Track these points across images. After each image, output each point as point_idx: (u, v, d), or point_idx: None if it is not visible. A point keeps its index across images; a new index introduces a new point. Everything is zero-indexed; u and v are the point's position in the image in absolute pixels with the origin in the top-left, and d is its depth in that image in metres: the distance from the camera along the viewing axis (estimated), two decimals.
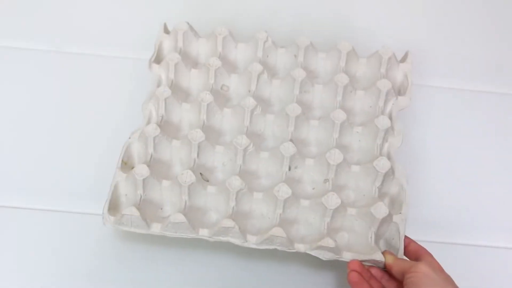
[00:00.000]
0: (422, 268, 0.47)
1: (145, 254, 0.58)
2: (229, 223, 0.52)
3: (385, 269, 0.52)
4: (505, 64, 0.68)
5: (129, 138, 0.58)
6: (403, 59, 0.65)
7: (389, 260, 0.51)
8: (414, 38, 0.71)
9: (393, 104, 0.61)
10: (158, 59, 0.63)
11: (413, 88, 0.62)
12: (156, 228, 0.53)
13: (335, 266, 0.54)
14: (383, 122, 0.58)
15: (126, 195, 0.56)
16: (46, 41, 0.68)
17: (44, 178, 0.62)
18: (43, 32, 0.68)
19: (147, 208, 0.55)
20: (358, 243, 0.55)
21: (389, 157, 0.57)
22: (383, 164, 0.55)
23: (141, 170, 0.54)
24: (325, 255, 0.53)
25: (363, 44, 0.66)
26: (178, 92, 0.62)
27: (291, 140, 0.58)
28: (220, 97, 0.62)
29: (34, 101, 0.65)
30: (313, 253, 0.53)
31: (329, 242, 0.52)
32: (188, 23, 0.64)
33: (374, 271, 0.53)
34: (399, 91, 0.63)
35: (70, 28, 0.69)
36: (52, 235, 0.59)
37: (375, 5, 0.73)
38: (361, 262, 0.52)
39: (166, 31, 0.65)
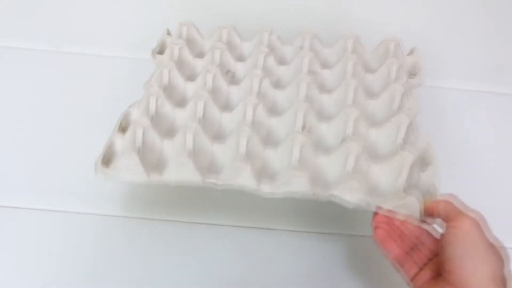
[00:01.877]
0: (466, 224, 0.38)
1: (146, 254, 0.58)
2: (241, 165, 0.46)
3: (421, 220, 0.44)
4: (505, 64, 0.68)
5: (129, 107, 0.55)
6: (410, 54, 0.63)
7: (429, 199, 0.42)
8: (413, 38, 0.71)
9: (405, 82, 0.57)
10: (161, 51, 0.62)
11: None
12: (156, 176, 0.47)
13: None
14: (395, 91, 0.54)
15: (122, 153, 0.49)
16: (46, 41, 0.68)
17: (44, 178, 0.62)
18: (43, 32, 0.68)
19: (146, 163, 0.48)
20: (386, 192, 0.47)
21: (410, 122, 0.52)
22: (400, 121, 0.50)
23: (141, 120, 0.50)
24: (351, 198, 0.45)
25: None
26: (182, 69, 0.60)
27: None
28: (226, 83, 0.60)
29: (35, 101, 0.65)
30: (338, 194, 0.45)
31: (353, 184, 0.45)
32: (191, 24, 0.63)
33: (404, 227, 0.44)
34: (410, 75, 0.60)
35: (71, 28, 0.69)
36: (52, 235, 0.59)
37: (372, 8, 0.73)
38: (389, 216, 0.44)
39: (169, 34, 0.64)
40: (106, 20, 0.69)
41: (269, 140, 0.52)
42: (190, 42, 0.63)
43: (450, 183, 0.62)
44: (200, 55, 0.63)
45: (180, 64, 0.60)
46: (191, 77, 0.61)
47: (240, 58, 0.63)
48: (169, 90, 0.57)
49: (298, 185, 0.45)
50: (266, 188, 0.46)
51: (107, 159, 0.49)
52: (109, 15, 0.69)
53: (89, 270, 0.57)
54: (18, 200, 0.61)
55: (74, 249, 0.58)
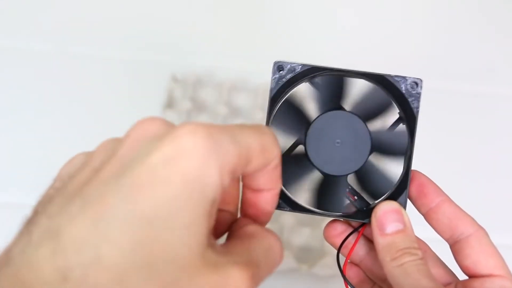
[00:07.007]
0: None
1: None
2: None
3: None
4: (500, 65, 0.68)
5: None
6: None
7: None
8: (410, 39, 0.72)
9: None
10: (169, 104, 0.65)
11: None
12: None
13: None
14: None
15: None
16: (48, 41, 0.68)
17: (46, 177, 0.61)
18: (44, 32, 0.68)
19: None
20: None
21: None
22: None
23: None
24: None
25: None
26: None
27: None
28: None
29: (36, 101, 0.66)
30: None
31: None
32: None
33: None
34: None
35: (72, 28, 0.69)
36: None
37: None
38: None
39: (175, 81, 0.66)
40: (108, 21, 0.69)
41: None
42: (196, 93, 0.66)
43: (449, 184, 0.63)
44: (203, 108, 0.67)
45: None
46: None
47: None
48: None
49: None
50: None
51: None
52: (110, 16, 0.69)
53: None
54: (19, 198, 0.60)
55: None
